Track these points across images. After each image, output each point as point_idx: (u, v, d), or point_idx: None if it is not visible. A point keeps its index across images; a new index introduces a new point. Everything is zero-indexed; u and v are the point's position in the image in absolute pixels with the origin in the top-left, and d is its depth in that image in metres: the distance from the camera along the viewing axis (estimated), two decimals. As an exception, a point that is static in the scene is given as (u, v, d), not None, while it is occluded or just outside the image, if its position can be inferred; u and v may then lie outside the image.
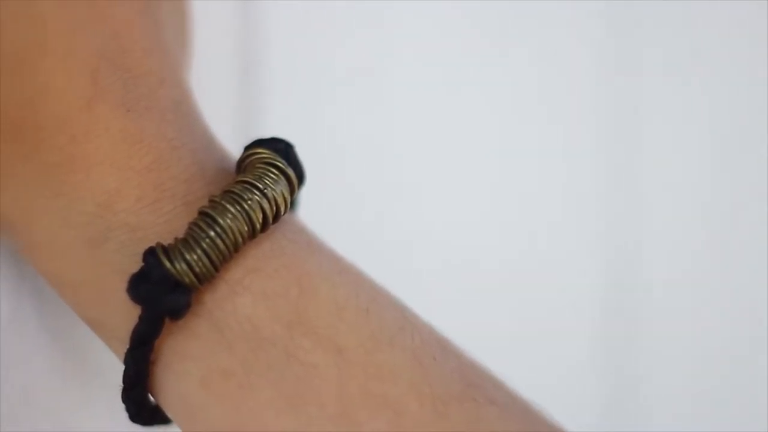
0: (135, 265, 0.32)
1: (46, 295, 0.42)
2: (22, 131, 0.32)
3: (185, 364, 0.33)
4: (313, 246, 0.35)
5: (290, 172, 0.34)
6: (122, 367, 0.34)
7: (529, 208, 0.67)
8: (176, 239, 0.32)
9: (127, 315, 0.33)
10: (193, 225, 0.32)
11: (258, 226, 0.32)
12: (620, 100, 0.67)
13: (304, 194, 0.38)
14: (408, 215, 0.63)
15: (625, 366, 0.70)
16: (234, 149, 0.37)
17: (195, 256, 0.31)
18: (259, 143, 0.34)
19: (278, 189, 0.33)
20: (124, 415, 0.36)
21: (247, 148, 0.35)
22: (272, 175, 0.33)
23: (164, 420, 0.36)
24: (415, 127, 0.63)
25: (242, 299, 0.32)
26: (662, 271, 0.68)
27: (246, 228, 0.32)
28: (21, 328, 0.41)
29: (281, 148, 0.34)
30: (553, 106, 0.66)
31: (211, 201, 0.32)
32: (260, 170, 0.33)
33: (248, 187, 0.32)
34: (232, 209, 0.32)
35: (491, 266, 0.65)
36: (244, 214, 0.32)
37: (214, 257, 0.31)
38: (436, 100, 0.63)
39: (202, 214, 0.32)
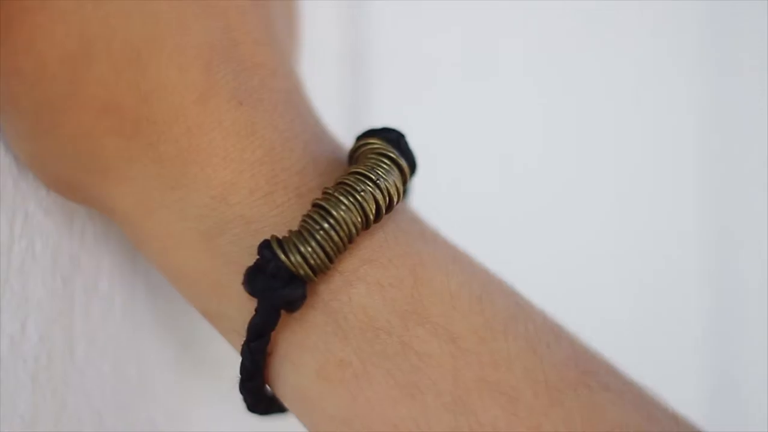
0: (250, 257, 0.33)
1: (160, 287, 0.43)
2: (137, 126, 0.33)
3: (302, 355, 0.34)
4: (426, 235, 0.36)
5: (402, 162, 0.34)
6: (238, 359, 0.35)
7: (634, 208, 0.67)
8: (290, 231, 0.33)
9: (243, 307, 0.34)
10: (307, 217, 0.33)
11: (371, 216, 0.33)
12: (721, 100, 0.67)
13: (417, 183, 0.39)
14: (516, 206, 0.63)
15: (728, 367, 0.70)
16: (345, 140, 0.38)
17: (310, 249, 0.32)
18: (371, 133, 0.35)
19: (391, 179, 0.33)
20: (240, 406, 0.37)
21: (359, 138, 0.35)
22: (385, 166, 0.34)
23: (281, 410, 0.37)
24: (520, 120, 0.63)
25: (357, 290, 0.33)
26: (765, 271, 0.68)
27: (359, 219, 0.33)
28: (135, 321, 0.43)
29: (393, 138, 0.35)
30: (654, 105, 0.66)
31: (324, 193, 0.33)
32: (372, 161, 0.34)
33: (361, 178, 0.33)
34: (345, 201, 0.33)
35: (595, 264, 0.66)
36: (357, 206, 0.33)
37: (328, 249, 0.32)
38: (539, 95, 0.64)
39: (316, 206, 0.33)
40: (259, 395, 0.36)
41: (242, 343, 0.34)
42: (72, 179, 0.35)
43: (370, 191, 0.33)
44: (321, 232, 0.32)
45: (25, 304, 0.38)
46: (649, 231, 0.68)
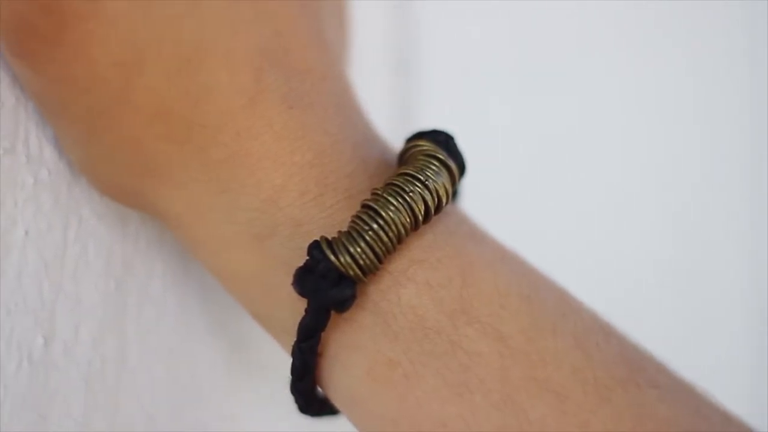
0: (300, 258, 0.34)
1: (212, 290, 0.44)
2: (188, 131, 0.34)
3: (352, 355, 0.34)
4: (475, 235, 0.36)
5: (451, 163, 0.35)
6: (288, 360, 0.36)
7: (690, 207, 0.67)
8: (340, 232, 0.33)
9: (293, 308, 0.35)
10: (356, 218, 0.33)
11: (420, 217, 0.34)
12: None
13: (466, 184, 0.39)
14: (567, 207, 0.63)
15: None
16: (395, 142, 0.38)
17: (359, 249, 0.33)
18: (420, 135, 0.36)
19: (440, 180, 0.34)
20: (292, 408, 0.38)
21: (409, 140, 0.36)
22: (434, 167, 0.34)
23: (332, 411, 0.38)
24: (569, 121, 0.63)
25: (406, 290, 0.34)
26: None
27: (409, 220, 0.33)
28: (188, 324, 0.44)
29: (442, 139, 0.35)
30: (709, 105, 0.67)
31: (373, 194, 0.34)
32: (422, 162, 0.34)
33: (410, 179, 0.34)
34: (394, 202, 0.33)
35: (647, 268, 0.66)
36: (406, 206, 0.33)
37: (377, 249, 0.33)
38: (588, 96, 0.64)
39: (365, 207, 0.34)
40: (310, 396, 0.37)
41: (293, 344, 0.35)
42: (124, 184, 0.36)
43: (419, 192, 0.33)
44: (370, 232, 0.33)
45: (79, 308, 0.39)
46: (698, 232, 0.68)
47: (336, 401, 0.36)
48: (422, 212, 0.34)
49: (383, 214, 0.33)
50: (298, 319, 0.34)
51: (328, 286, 0.33)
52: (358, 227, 0.33)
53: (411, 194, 0.33)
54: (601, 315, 0.36)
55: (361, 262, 0.33)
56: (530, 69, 0.62)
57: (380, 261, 0.33)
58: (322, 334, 0.34)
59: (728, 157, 0.70)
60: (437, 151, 0.35)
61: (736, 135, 0.70)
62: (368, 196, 0.34)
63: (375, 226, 0.33)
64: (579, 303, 0.36)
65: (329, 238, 0.33)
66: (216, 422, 0.46)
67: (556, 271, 0.37)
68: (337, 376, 0.35)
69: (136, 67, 0.33)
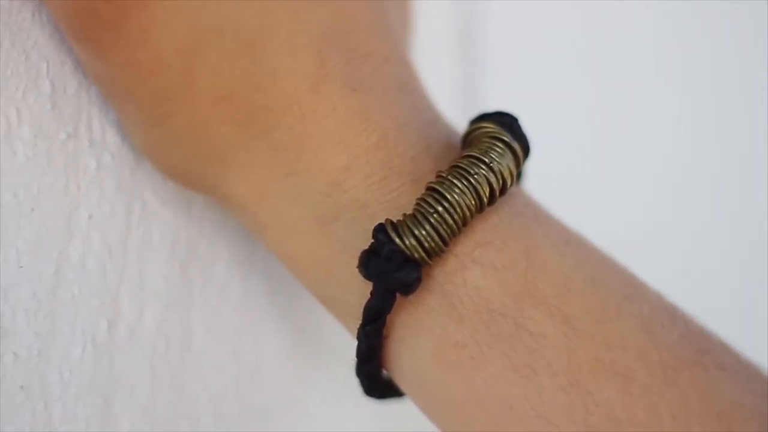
0: (365, 241, 0.35)
1: (276, 274, 0.45)
2: (252, 114, 0.35)
3: (417, 337, 0.35)
4: (539, 217, 0.37)
5: (516, 145, 0.35)
6: (353, 343, 0.37)
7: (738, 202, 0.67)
8: (405, 215, 0.34)
9: (358, 291, 0.35)
10: (421, 201, 0.34)
11: (485, 199, 0.34)
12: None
13: (530, 166, 0.40)
14: (629, 193, 0.64)
15: None
16: (459, 125, 0.39)
17: (424, 232, 0.34)
18: (485, 117, 0.36)
19: (504, 162, 0.35)
20: (356, 390, 0.39)
21: (473, 122, 0.37)
22: (498, 149, 0.35)
23: (397, 394, 0.39)
24: (634, 110, 0.64)
25: (472, 272, 0.35)
26: None
27: (473, 202, 0.34)
28: (252, 308, 0.45)
29: (506, 121, 0.36)
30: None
31: (438, 176, 0.35)
32: (486, 144, 0.35)
33: (474, 161, 0.34)
34: (459, 184, 0.34)
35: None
36: (471, 189, 0.34)
37: (442, 232, 0.34)
38: (653, 85, 0.64)
39: (430, 189, 0.34)
40: (375, 379, 0.38)
41: (358, 326, 0.35)
42: (188, 168, 0.38)
43: (484, 174, 0.34)
44: (435, 215, 0.33)
45: (143, 292, 0.40)
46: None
47: (401, 384, 0.37)
48: (487, 194, 0.34)
49: (448, 196, 0.34)
50: (364, 302, 0.35)
51: (393, 269, 0.33)
52: (423, 210, 0.34)
53: (476, 176, 0.34)
54: (666, 296, 0.37)
55: (427, 244, 0.33)
56: (594, 52, 0.62)
57: (445, 243, 0.34)
58: (388, 316, 0.35)
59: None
60: (502, 133, 0.35)
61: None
62: (433, 179, 0.35)
63: (440, 208, 0.34)
64: (644, 284, 0.37)
65: (394, 221, 0.34)
66: (281, 406, 0.47)
67: (617, 252, 0.38)
68: (403, 359, 0.36)
69: (199, 51, 0.34)
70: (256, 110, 0.35)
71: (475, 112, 0.37)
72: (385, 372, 0.38)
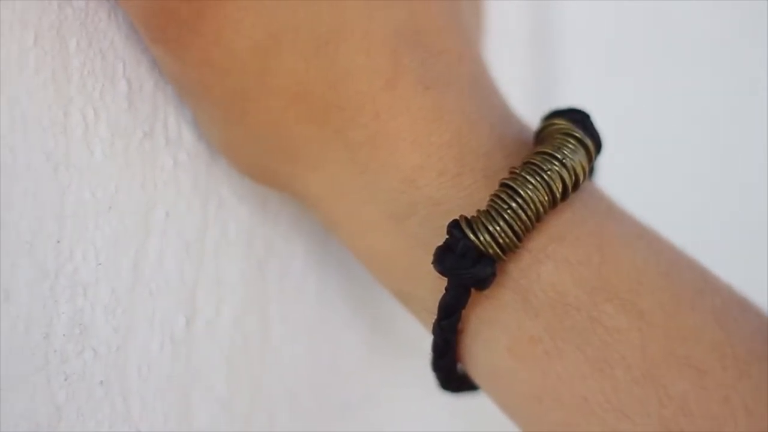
0: (439, 238, 0.36)
1: (351, 269, 0.46)
2: (327, 113, 0.36)
3: (492, 332, 0.36)
4: (612, 212, 0.38)
5: (588, 141, 0.36)
6: (428, 338, 0.38)
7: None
8: (479, 211, 0.35)
9: (433, 287, 0.37)
10: (495, 197, 0.35)
11: (558, 195, 0.35)
12: None
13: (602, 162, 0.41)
14: (705, 189, 0.64)
15: None
16: (531, 121, 0.40)
17: (498, 228, 0.35)
18: (557, 114, 0.37)
19: (577, 158, 0.35)
20: (431, 384, 0.40)
21: (545, 119, 0.38)
22: (570, 145, 0.36)
23: (472, 387, 0.40)
24: (707, 106, 0.64)
25: (546, 267, 0.36)
26: None
27: (546, 198, 0.35)
28: (328, 302, 0.46)
29: (578, 118, 0.37)
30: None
31: (511, 173, 0.35)
32: (558, 141, 0.36)
33: (547, 157, 0.35)
34: (532, 180, 0.35)
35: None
36: (544, 185, 0.35)
37: (516, 228, 0.35)
38: (728, 80, 0.64)
39: (504, 186, 0.35)
40: (450, 373, 0.39)
41: (433, 321, 0.36)
42: (263, 165, 0.39)
43: (557, 170, 0.35)
44: (509, 211, 0.34)
45: (220, 288, 0.42)
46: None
47: (476, 378, 0.38)
48: (560, 190, 0.35)
49: (522, 192, 0.34)
50: (439, 297, 0.36)
51: (468, 265, 0.34)
52: (497, 206, 0.35)
53: (549, 173, 0.35)
54: (738, 290, 0.37)
55: (501, 240, 0.34)
56: (667, 48, 0.63)
57: (519, 239, 0.35)
58: (463, 311, 0.36)
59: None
60: (574, 129, 0.36)
61: None
62: (506, 175, 0.36)
63: (514, 204, 0.34)
64: (716, 278, 0.37)
65: (468, 217, 0.35)
66: (357, 399, 0.48)
67: (691, 247, 0.39)
68: (478, 353, 0.37)
69: (274, 50, 0.35)
70: (330, 109, 0.36)
71: (546, 109, 0.38)
72: (459, 366, 0.39)
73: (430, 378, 0.40)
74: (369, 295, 0.48)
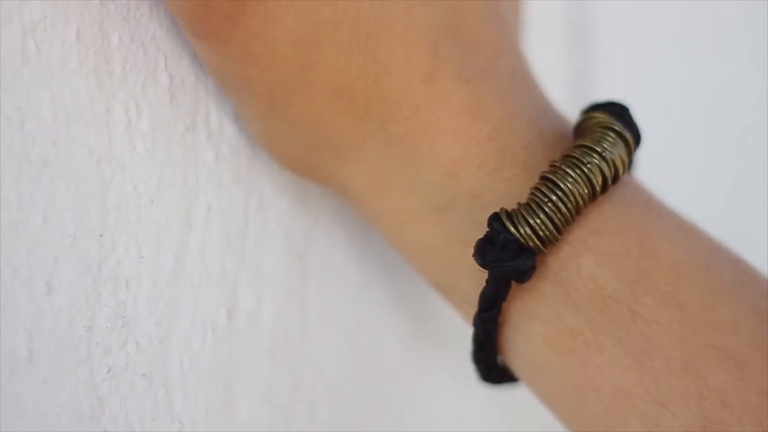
0: (479, 230, 0.36)
1: (392, 262, 0.46)
2: (368, 106, 0.37)
3: (533, 324, 0.37)
4: (651, 205, 0.38)
5: (627, 134, 0.36)
6: (468, 330, 0.38)
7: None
8: (519, 204, 0.36)
9: (474, 279, 0.37)
10: (535, 190, 0.35)
11: (598, 188, 0.36)
12: None
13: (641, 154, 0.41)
14: (742, 182, 0.64)
15: None
16: (570, 115, 0.40)
17: (538, 221, 0.35)
18: (596, 107, 0.38)
19: (616, 152, 0.36)
20: (472, 375, 0.41)
21: (584, 112, 0.38)
22: (610, 139, 0.36)
23: (512, 379, 0.40)
24: (745, 100, 0.64)
25: (586, 260, 0.36)
26: None
27: (587, 191, 0.35)
28: (368, 296, 0.46)
29: (618, 111, 0.37)
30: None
31: (551, 166, 0.36)
32: (598, 134, 0.36)
33: (587, 151, 0.36)
34: (572, 173, 0.35)
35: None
36: (584, 178, 0.35)
37: (557, 221, 0.35)
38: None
39: (543, 179, 0.36)
40: (491, 365, 0.39)
41: (474, 314, 0.37)
42: (305, 159, 0.39)
43: (597, 164, 0.35)
44: (549, 204, 0.35)
45: (261, 281, 0.42)
46: None
47: (517, 370, 0.39)
48: (600, 183, 0.35)
49: (562, 185, 0.35)
50: (479, 289, 0.36)
51: (508, 258, 0.35)
52: (537, 199, 0.35)
53: (588, 166, 0.35)
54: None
55: (541, 233, 0.35)
56: (703, 40, 0.63)
57: (559, 232, 0.35)
58: (503, 304, 0.36)
59: None
60: (613, 122, 0.36)
61: None
62: (546, 168, 0.36)
63: (554, 197, 0.35)
64: (755, 271, 0.38)
65: (509, 210, 0.35)
66: (397, 391, 0.49)
67: (728, 240, 0.39)
68: (519, 345, 0.38)
69: (315, 45, 0.36)
70: (372, 103, 0.36)
71: (586, 103, 0.38)
72: (500, 358, 0.39)
73: (470, 370, 0.40)
74: (409, 287, 0.48)
